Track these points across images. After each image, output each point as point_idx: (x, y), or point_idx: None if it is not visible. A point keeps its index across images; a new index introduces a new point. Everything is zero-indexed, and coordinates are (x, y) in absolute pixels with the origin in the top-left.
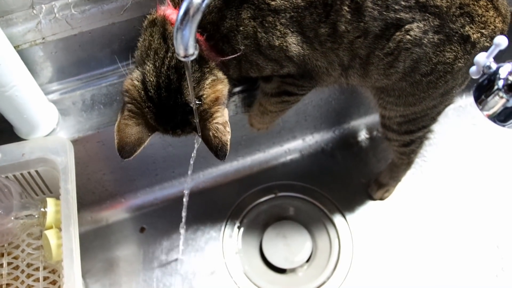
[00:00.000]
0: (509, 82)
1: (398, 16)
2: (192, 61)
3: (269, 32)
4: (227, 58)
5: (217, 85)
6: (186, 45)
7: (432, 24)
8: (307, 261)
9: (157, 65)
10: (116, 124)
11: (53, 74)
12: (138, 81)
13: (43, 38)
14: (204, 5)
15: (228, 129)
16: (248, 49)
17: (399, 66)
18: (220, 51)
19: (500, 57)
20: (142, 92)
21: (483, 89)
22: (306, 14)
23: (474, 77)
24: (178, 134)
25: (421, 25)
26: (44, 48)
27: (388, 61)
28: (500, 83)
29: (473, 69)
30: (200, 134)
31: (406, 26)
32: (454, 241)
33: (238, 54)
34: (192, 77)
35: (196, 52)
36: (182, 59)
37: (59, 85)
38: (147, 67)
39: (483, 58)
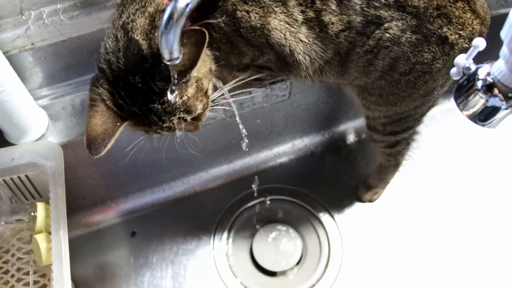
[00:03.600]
0: (488, 82)
1: (377, 13)
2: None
3: (250, 11)
4: (198, 23)
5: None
6: (171, 49)
7: (410, 23)
8: (297, 263)
9: (114, 30)
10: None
11: (43, 79)
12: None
13: (32, 44)
14: (188, 9)
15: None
16: (228, 28)
17: (378, 64)
18: (195, 21)
19: (481, 58)
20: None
21: (463, 90)
22: None
23: (454, 78)
24: (157, 112)
25: (399, 24)
26: (34, 53)
27: (368, 59)
28: (479, 83)
29: (453, 70)
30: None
31: (385, 25)
32: (443, 242)
33: (213, 21)
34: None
35: (181, 56)
36: (167, 63)
37: (48, 91)
38: (105, 43)
39: (462, 60)
